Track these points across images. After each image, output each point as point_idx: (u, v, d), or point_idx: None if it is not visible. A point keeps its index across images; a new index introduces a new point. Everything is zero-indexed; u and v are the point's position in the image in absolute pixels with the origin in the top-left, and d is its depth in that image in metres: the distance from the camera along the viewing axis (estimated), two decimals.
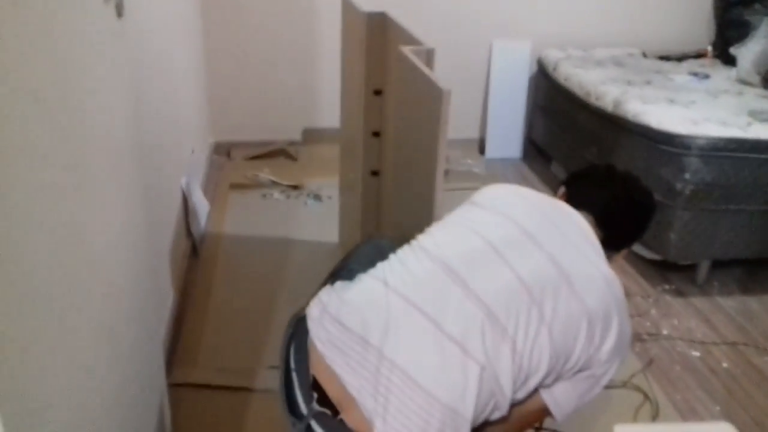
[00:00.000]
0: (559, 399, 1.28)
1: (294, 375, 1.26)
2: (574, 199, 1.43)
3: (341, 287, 1.29)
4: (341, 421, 1.16)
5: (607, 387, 2.10)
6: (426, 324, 1.17)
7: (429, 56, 1.76)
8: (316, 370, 1.21)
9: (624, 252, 1.46)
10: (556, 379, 1.27)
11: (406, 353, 1.15)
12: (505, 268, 1.23)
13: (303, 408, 1.22)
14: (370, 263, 1.32)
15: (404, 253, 1.32)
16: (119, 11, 1.44)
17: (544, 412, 1.30)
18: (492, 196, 1.42)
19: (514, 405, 1.24)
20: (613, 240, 1.38)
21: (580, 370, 1.26)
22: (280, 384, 1.29)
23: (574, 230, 1.32)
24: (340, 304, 1.24)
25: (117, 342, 1.32)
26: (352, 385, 1.16)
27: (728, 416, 2.13)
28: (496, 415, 1.19)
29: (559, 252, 1.26)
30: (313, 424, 1.20)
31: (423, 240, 1.33)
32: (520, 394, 1.22)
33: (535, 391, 1.26)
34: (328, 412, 1.18)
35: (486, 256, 1.25)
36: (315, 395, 1.20)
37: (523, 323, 1.18)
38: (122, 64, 1.47)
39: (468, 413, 1.13)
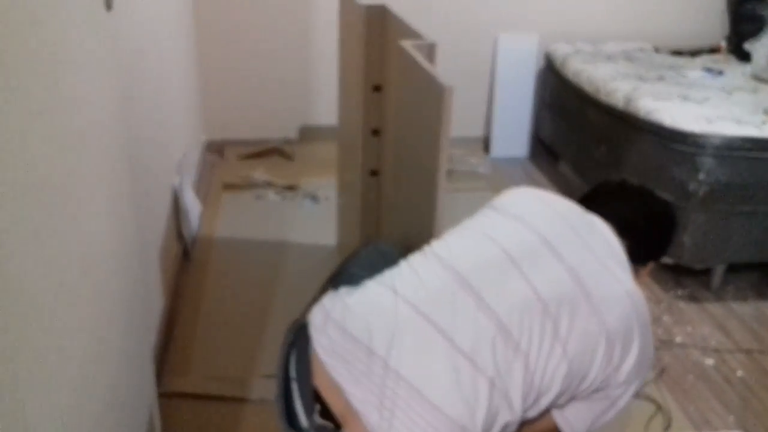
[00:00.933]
0: (571, 420, 1.28)
1: (294, 385, 1.25)
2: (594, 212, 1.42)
3: (346, 293, 1.27)
4: None
5: None
6: (436, 335, 1.16)
7: (430, 51, 1.76)
8: (318, 381, 1.20)
9: (650, 267, 1.45)
10: (571, 399, 1.26)
11: (413, 365, 1.14)
12: (521, 280, 1.21)
13: (303, 420, 1.21)
14: (372, 267, 1.31)
15: (415, 259, 1.31)
16: (108, 4, 1.44)
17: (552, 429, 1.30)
18: (513, 201, 1.41)
19: (524, 423, 1.24)
20: (637, 251, 1.37)
21: (595, 390, 1.25)
22: (278, 394, 1.27)
23: (600, 242, 1.31)
24: (345, 311, 1.23)
25: (105, 350, 1.33)
26: (356, 396, 1.14)
27: (743, 427, 2.13)
28: None
29: (581, 265, 1.25)
30: None
31: (436, 246, 1.32)
32: (532, 413, 1.21)
33: (547, 410, 1.26)
34: (330, 425, 1.17)
35: (501, 266, 1.24)
36: (317, 407, 1.19)
37: (537, 339, 1.17)
38: (111, 60, 1.47)
39: (477, 429, 1.12)
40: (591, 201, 1.45)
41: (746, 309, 2.76)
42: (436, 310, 1.19)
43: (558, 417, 1.28)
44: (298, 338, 1.28)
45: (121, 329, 1.47)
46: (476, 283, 1.21)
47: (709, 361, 2.45)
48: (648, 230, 1.43)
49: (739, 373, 2.40)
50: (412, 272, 1.27)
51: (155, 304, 2.30)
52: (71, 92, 1.15)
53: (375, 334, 1.17)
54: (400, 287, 1.23)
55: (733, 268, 2.88)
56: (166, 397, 2.08)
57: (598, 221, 1.35)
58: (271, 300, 2.65)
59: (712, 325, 2.65)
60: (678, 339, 2.56)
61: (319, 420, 1.18)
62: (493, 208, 1.41)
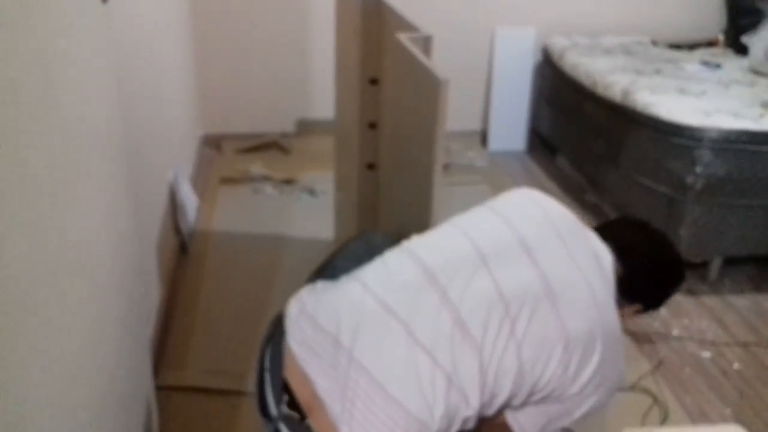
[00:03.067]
0: (522, 422, 1.28)
1: (267, 375, 1.28)
2: (600, 233, 1.40)
3: (322, 287, 1.31)
4: (308, 427, 1.18)
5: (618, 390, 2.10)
6: (398, 329, 1.18)
7: (426, 44, 1.76)
8: (288, 372, 1.23)
9: (634, 308, 1.42)
10: (525, 403, 1.26)
11: (375, 357, 1.16)
12: (487, 277, 1.22)
13: (273, 409, 1.24)
14: (357, 261, 1.33)
15: (390, 254, 1.32)
16: None
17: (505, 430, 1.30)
18: (508, 201, 1.42)
19: (483, 421, 1.25)
20: (628, 283, 1.35)
21: (550, 398, 1.25)
22: (255, 384, 1.31)
23: (587, 254, 1.30)
24: (317, 304, 1.26)
25: (102, 343, 1.33)
26: (322, 387, 1.17)
27: (739, 419, 2.14)
28: (467, 428, 1.19)
29: (555, 271, 1.24)
30: (281, 426, 1.21)
31: (412, 241, 1.34)
32: (489, 411, 1.22)
33: (502, 411, 1.26)
34: (296, 415, 1.20)
35: (470, 263, 1.24)
36: (286, 397, 1.22)
37: (492, 337, 1.18)
38: (106, 53, 1.47)
39: (434, 426, 1.14)
40: (605, 227, 1.45)
41: (743, 302, 2.77)
42: (399, 304, 1.20)
43: (510, 418, 1.28)
44: (276, 330, 1.32)
45: (118, 323, 1.47)
46: (442, 279, 1.22)
47: (706, 354, 2.46)
48: (647, 267, 1.40)
49: (736, 365, 2.41)
50: (383, 266, 1.29)
51: (152, 298, 2.30)
52: (66, 86, 1.15)
53: (342, 326, 1.20)
54: (369, 281, 1.26)
55: (729, 261, 2.89)
56: (163, 390, 2.08)
57: (593, 236, 1.35)
58: (268, 294, 2.66)
59: (709, 318, 2.66)
60: (675, 332, 2.57)
61: (285, 410, 1.21)
62: (487, 204, 1.41)
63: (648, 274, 1.41)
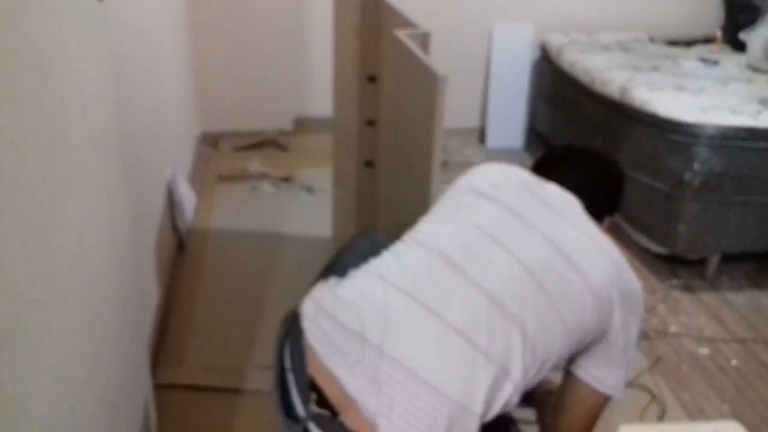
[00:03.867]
0: (599, 376, 1.33)
1: (290, 376, 1.25)
2: (549, 177, 1.46)
3: (335, 283, 1.29)
4: (341, 423, 1.16)
5: None
6: (429, 317, 1.17)
7: (425, 40, 1.76)
8: (313, 371, 1.21)
9: (607, 223, 1.49)
10: (575, 360, 1.31)
11: (408, 349, 1.15)
12: (503, 253, 1.24)
13: (300, 410, 1.21)
14: (364, 258, 1.32)
15: (397, 247, 1.32)
16: None
17: (597, 397, 1.35)
18: (479, 178, 1.42)
19: (559, 408, 1.35)
20: (592, 211, 1.40)
21: (597, 342, 1.29)
22: (274, 385, 1.28)
23: (561, 203, 1.35)
24: (335, 301, 1.24)
25: (99, 341, 1.32)
26: (351, 384, 1.15)
27: (737, 415, 2.14)
28: (511, 406, 1.20)
29: (552, 230, 1.29)
30: (311, 426, 1.19)
31: (414, 233, 1.34)
32: (533, 381, 1.22)
33: (568, 385, 1.35)
34: (327, 413, 1.18)
35: (481, 242, 1.26)
36: (313, 396, 1.20)
37: (530, 307, 1.19)
38: (103, 51, 1.46)
39: (477, 408, 1.13)
40: (542, 169, 1.50)
41: (741, 299, 2.78)
42: (425, 292, 1.20)
43: (588, 380, 1.33)
44: (292, 329, 1.29)
45: (115, 321, 1.46)
46: (461, 262, 1.23)
47: (704, 351, 2.47)
48: (598, 189, 1.47)
49: (734, 362, 2.42)
50: (397, 259, 1.28)
51: (150, 296, 2.30)
52: (63, 84, 1.15)
53: (366, 321, 1.18)
54: (386, 274, 1.25)
55: (727, 258, 2.89)
56: (161, 388, 2.08)
57: (552, 186, 1.39)
58: (266, 291, 2.65)
59: (706, 315, 2.66)
60: (673, 329, 2.57)
61: (315, 409, 1.19)
62: (461, 188, 1.42)
63: (602, 195, 1.48)
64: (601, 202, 1.46)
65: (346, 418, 1.15)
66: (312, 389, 1.20)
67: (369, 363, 1.15)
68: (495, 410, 1.17)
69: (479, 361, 1.14)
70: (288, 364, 1.27)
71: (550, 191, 1.38)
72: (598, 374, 1.33)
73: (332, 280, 1.30)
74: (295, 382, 1.24)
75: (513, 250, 1.24)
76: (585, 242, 1.28)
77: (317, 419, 1.19)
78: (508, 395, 1.17)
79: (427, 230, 1.33)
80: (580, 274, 1.23)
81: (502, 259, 1.23)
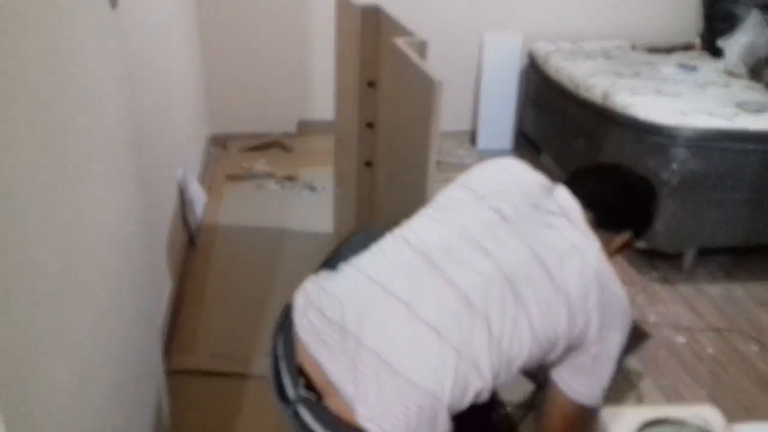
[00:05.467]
0: (568, 381, 1.30)
1: (282, 362, 1.28)
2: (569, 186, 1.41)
3: (324, 277, 1.31)
4: (325, 406, 1.18)
5: None
6: (402, 311, 1.18)
7: (422, 48, 1.76)
8: (301, 358, 1.23)
9: (624, 236, 1.41)
10: (555, 365, 1.28)
11: (382, 339, 1.16)
12: (484, 257, 1.23)
13: (291, 392, 1.24)
14: (359, 252, 1.33)
15: (385, 242, 1.32)
16: (113, 2, 1.43)
17: (572, 404, 1.31)
18: (480, 177, 1.41)
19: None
20: (605, 220, 1.35)
21: (573, 349, 1.26)
22: (270, 371, 1.31)
23: (560, 208, 1.31)
24: (321, 294, 1.26)
25: (115, 330, 1.32)
26: (333, 372, 1.17)
27: (714, 400, 2.15)
28: (481, 400, 1.20)
29: (537, 239, 1.25)
30: (300, 408, 1.21)
31: (404, 229, 1.34)
32: (503, 378, 1.22)
33: (549, 390, 1.31)
34: (313, 396, 1.20)
35: (465, 245, 1.25)
36: (302, 381, 1.22)
37: (499, 309, 1.18)
38: (116, 55, 1.46)
39: (445, 398, 1.14)
40: (570, 180, 1.44)
41: (716, 290, 2.78)
42: (401, 286, 1.21)
43: (560, 383, 1.30)
44: (285, 320, 1.32)
45: (130, 312, 1.46)
46: (441, 262, 1.23)
47: (681, 339, 2.47)
48: (615, 200, 1.41)
49: (710, 350, 2.42)
50: (382, 254, 1.29)
51: (163, 287, 2.30)
52: (78, 88, 1.15)
53: (347, 313, 1.20)
54: (368, 268, 1.26)
55: (703, 252, 2.90)
56: (173, 374, 2.08)
57: (560, 190, 1.35)
58: (272, 283, 2.65)
59: (683, 305, 2.67)
60: (651, 318, 2.57)
61: (303, 392, 1.21)
62: (460, 184, 1.40)
63: (618, 206, 1.41)
64: (617, 214, 1.39)
65: (330, 402, 1.18)
66: (301, 375, 1.23)
67: (349, 352, 1.17)
68: (465, 402, 1.17)
69: (449, 354, 1.15)
70: (280, 351, 1.29)
71: (555, 195, 1.34)
72: (569, 380, 1.30)
73: (322, 274, 1.32)
74: (287, 369, 1.26)
75: (495, 256, 1.22)
76: (567, 254, 1.24)
77: (305, 402, 1.21)
78: (476, 390, 1.17)
79: (415, 227, 1.32)
80: (556, 286, 1.21)
81: (482, 264, 1.22)
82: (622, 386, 2.19)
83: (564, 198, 1.33)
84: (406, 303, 1.19)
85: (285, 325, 1.31)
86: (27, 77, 0.89)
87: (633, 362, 2.30)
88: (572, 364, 1.29)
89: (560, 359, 1.29)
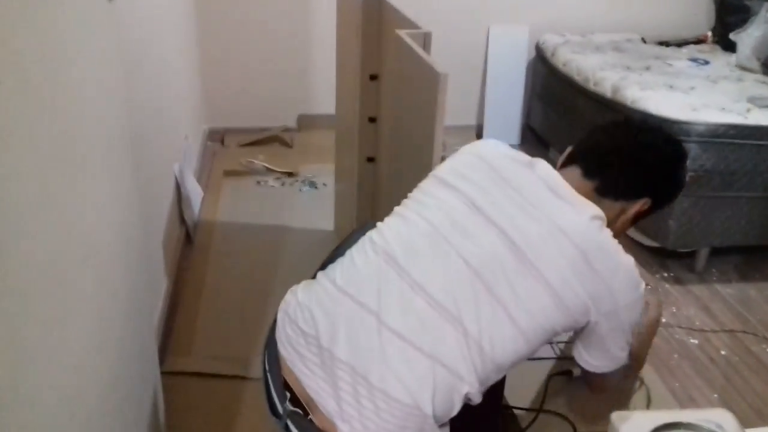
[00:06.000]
0: (581, 352, 1.28)
1: (269, 376, 1.27)
2: (571, 156, 1.36)
3: (302, 288, 1.29)
4: (311, 421, 1.16)
5: None
6: (371, 321, 1.15)
7: (426, 40, 1.75)
8: (284, 373, 1.22)
9: (641, 204, 1.30)
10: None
11: (354, 353, 1.13)
12: (451, 252, 1.17)
13: (279, 408, 1.23)
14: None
15: (356, 246, 1.29)
16: None
17: (602, 379, 1.34)
18: (448, 163, 1.33)
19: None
20: (612, 186, 1.27)
21: (581, 330, 1.22)
22: (262, 386, 1.30)
23: (534, 184, 1.22)
24: (297, 306, 1.24)
25: (109, 330, 1.32)
26: (311, 387, 1.15)
27: (726, 404, 2.14)
28: (475, 402, 1.17)
29: (512, 224, 1.17)
30: (289, 423, 1.19)
31: (375, 230, 1.29)
32: (496, 376, 1.18)
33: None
34: (300, 411, 1.18)
35: (431, 242, 1.20)
36: (288, 395, 1.20)
37: (472, 308, 1.13)
38: (112, 49, 1.45)
39: (427, 408, 1.10)
40: (581, 142, 1.38)
41: (729, 291, 2.77)
42: (368, 294, 1.17)
43: (576, 355, 1.29)
44: (271, 334, 1.31)
45: (124, 312, 1.46)
46: (405, 263, 1.18)
47: (694, 341, 2.46)
48: (627, 160, 1.29)
49: (723, 352, 2.41)
50: (350, 261, 1.25)
51: (159, 286, 2.30)
52: (73, 82, 1.14)
53: (319, 325, 1.18)
54: (337, 276, 1.23)
55: (716, 251, 2.89)
56: (169, 375, 2.08)
57: (539, 162, 1.27)
58: (271, 282, 2.65)
59: (696, 307, 2.66)
60: (663, 320, 2.56)
61: (289, 407, 1.19)
62: (433, 175, 1.33)
63: (624, 171, 1.29)
64: (630, 177, 1.29)
65: (315, 418, 1.16)
66: (287, 389, 1.21)
67: (326, 367, 1.15)
68: (455, 408, 1.14)
69: (421, 363, 1.11)
70: (267, 365, 1.28)
71: (535, 169, 1.25)
72: (585, 355, 1.28)
73: (302, 284, 1.30)
74: (273, 382, 1.25)
75: (462, 250, 1.17)
76: (546, 237, 1.15)
77: (292, 417, 1.19)
78: (464, 395, 1.13)
79: (383, 228, 1.28)
80: (535, 273, 1.14)
81: (447, 261, 1.17)
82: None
83: (544, 171, 1.24)
84: (375, 312, 1.15)
85: (272, 337, 1.30)
86: (19, 69, 0.88)
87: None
88: (583, 341, 1.26)
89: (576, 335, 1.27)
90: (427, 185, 1.32)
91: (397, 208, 1.32)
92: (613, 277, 1.17)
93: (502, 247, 1.16)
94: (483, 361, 1.13)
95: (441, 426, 1.15)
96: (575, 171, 1.30)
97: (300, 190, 3.44)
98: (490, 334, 1.13)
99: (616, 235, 1.24)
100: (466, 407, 1.18)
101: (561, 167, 1.35)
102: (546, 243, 1.15)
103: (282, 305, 1.30)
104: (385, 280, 1.18)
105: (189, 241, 2.88)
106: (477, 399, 1.16)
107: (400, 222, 1.27)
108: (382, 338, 1.13)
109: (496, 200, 1.21)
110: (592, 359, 1.29)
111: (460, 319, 1.13)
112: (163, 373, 1.96)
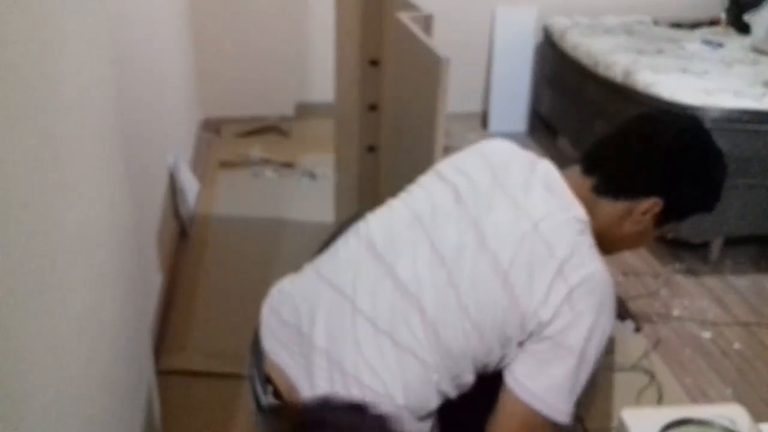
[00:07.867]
0: (522, 379, 1.11)
1: (255, 371, 1.30)
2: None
3: (288, 281, 1.34)
4: (288, 409, 1.20)
5: (616, 370, 2.10)
6: (347, 306, 1.20)
7: (427, 23, 1.75)
8: (267, 366, 1.25)
9: (649, 204, 1.21)
10: (506, 358, 1.15)
11: (330, 339, 1.18)
12: (424, 239, 1.21)
13: (263, 400, 1.26)
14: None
15: (343, 236, 1.34)
16: None
17: (526, 412, 1.10)
18: (448, 161, 1.37)
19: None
20: (613, 184, 1.21)
21: (535, 339, 1.12)
22: (248, 383, 1.34)
23: (532, 184, 1.22)
24: (280, 297, 1.30)
25: (102, 328, 1.33)
26: (294, 375, 1.19)
27: (740, 398, 2.15)
28: (451, 396, 1.18)
29: (488, 216, 1.18)
30: (270, 416, 1.24)
31: (363, 219, 1.34)
32: (470, 378, 1.18)
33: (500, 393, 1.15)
34: (283, 404, 1.21)
35: (408, 229, 1.24)
36: (270, 389, 1.24)
37: (431, 291, 1.16)
38: (103, 39, 1.46)
39: (399, 398, 1.13)
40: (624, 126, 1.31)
41: (744, 282, 2.77)
42: (345, 281, 1.22)
43: (512, 382, 1.12)
44: (256, 330, 1.34)
45: (118, 308, 1.47)
46: (382, 249, 1.24)
47: (707, 334, 2.47)
48: (618, 157, 1.23)
49: (736, 345, 2.42)
50: (335, 249, 1.31)
51: (153, 282, 2.30)
52: (64, 71, 1.14)
53: (301, 314, 1.23)
54: (321, 264, 1.30)
55: (730, 242, 2.89)
56: (164, 374, 2.09)
57: (542, 161, 1.28)
58: (269, 278, 2.62)
59: (709, 299, 2.66)
60: (675, 312, 2.57)
61: (272, 400, 1.22)
62: (434, 169, 1.37)
63: (625, 165, 1.21)
64: (631, 171, 1.21)
65: None
66: (269, 383, 1.24)
67: (305, 354, 1.19)
68: (432, 401, 1.16)
69: (388, 347, 1.15)
70: (252, 360, 1.32)
71: (536, 168, 1.25)
72: (524, 378, 1.10)
73: (286, 278, 1.35)
74: (258, 377, 1.28)
75: (434, 237, 1.20)
76: (517, 232, 1.14)
77: (274, 409, 1.22)
78: (435, 387, 1.15)
79: (370, 217, 1.33)
80: (494, 265, 1.13)
81: (421, 246, 1.20)
82: (640, 384, 2.19)
83: (544, 170, 1.24)
84: (351, 298, 1.20)
85: (255, 335, 1.34)
86: (8, 58, 0.88)
87: (653, 359, 2.30)
88: (530, 357, 1.11)
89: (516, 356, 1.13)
90: (424, 178, 1.36)
91: (389, 200, 1.36)
92: (584, 285, 1.10)
93: (471, 237, 1.18)
94: (438, 345, 1.15)
95: (422, 419, 1.17)
96: (576, 169, 1.28)
97: (298, 181, 3.44)
98: (444, 319, 1.15)
99: (625, 242, 1.27)
100: (472, 405, 1.19)
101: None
102: (515, 238, 1.14)
103: (266, 300, 1.34)
104: (363, 266, 1.23)
105: (184, 236, 2.89)
106: (452, 393, 1.18)
107: (386, 211, 1.32)
108: (356, 324, 1.18)
109: (480, 194, 1.23)
110: (535, 385, 1.09)
111: (419, 300, 1.16)
112: (158, 372, 1.97)
